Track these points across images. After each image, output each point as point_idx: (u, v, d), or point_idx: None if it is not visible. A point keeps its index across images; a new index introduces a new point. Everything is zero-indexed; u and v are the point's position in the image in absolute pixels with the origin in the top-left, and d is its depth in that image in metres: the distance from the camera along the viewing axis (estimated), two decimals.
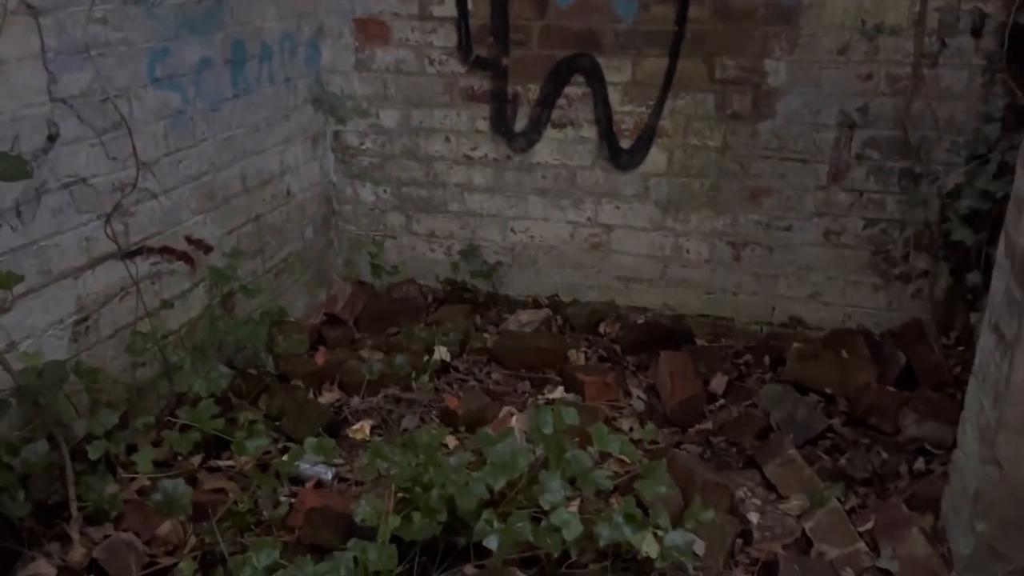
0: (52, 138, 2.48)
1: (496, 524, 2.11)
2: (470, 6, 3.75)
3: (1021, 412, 1.98)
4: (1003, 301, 2.11)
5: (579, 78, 3.76)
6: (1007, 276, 2.11)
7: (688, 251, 3.89)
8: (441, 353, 3.57)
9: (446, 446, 2.80)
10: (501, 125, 3.91)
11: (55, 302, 2.56)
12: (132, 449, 2.73)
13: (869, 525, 2.46)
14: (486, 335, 3.84)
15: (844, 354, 3.41)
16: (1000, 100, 3.23)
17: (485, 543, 2.12)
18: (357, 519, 2.12)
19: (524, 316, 3.96)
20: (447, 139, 4.00)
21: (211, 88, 3.19)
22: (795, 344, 3.49)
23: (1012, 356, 1.96)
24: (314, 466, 2.76)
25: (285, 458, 2.60)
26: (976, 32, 3.23)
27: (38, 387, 2.25)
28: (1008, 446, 2.01)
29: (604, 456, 2.71)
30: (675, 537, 2.19)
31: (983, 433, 2.14)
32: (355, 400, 3.34)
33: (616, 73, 3.70)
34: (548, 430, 2.38)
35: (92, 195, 2.66)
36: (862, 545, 2.37)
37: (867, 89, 3.44)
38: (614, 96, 3.74)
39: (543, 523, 2.17)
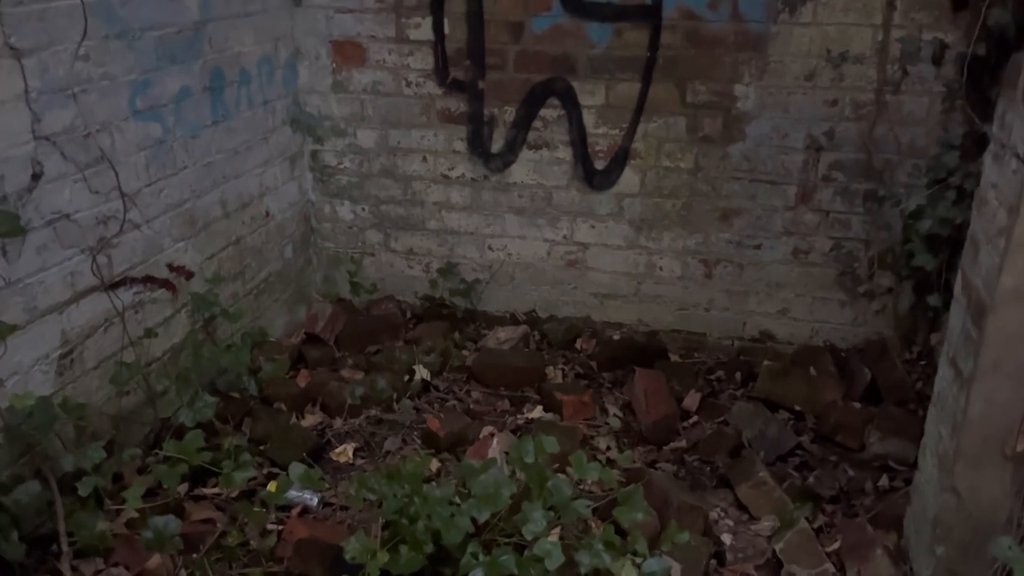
0: (36, 177, 2.50)
1: (481, 557, 2.19)
2: (447, 30, 3.80)
3: (978, 444, 2.10)
4: (960, 337, 2.23)
5: (554, 101, 3.83)
6: (963, 312, 2.22)
7: (661, 268, 3.99)
8: (421, 373, 3.63)
9: (430, 470, 2.88)
10: (478, 146, 3.97)
11: (41, 338, 2.59)
12: (118, 478, 2.78)
13: (836, 545, 2.58)
14: (465, 352, 3.92)
15: (812, 371, 3.53)
16: (959, 128, 3.35)
17: None
18: (347, 557, 2.19)
19: (502, 333, 4.03)
20: (425, 159, 4.06)
21: (191, 116, 3.21)
22: (765, 362, 3.60)
23: (968, 392, 2.07)
24: (300, 492, 2.82)
25: (271, 487, 2.65)
26: (936, 61, 3.35)
27: (28, 428, 2.27)
28: (966, 476, 2.13)
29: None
30: (652, 564, 2.28)
31: (942, 461, 2.26)
32: (337, 422, 3.39)
33: (590, 96, 3.78)
34: (530, 459, 2.46)
35: (76, 230, 2.68)
36: (829, 566, 2.48)
37: (833, 114, 3.56)
38: (588, 119, 3.82)
39: (526, 553, 2.25)
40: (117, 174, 2.80)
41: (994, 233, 2.06)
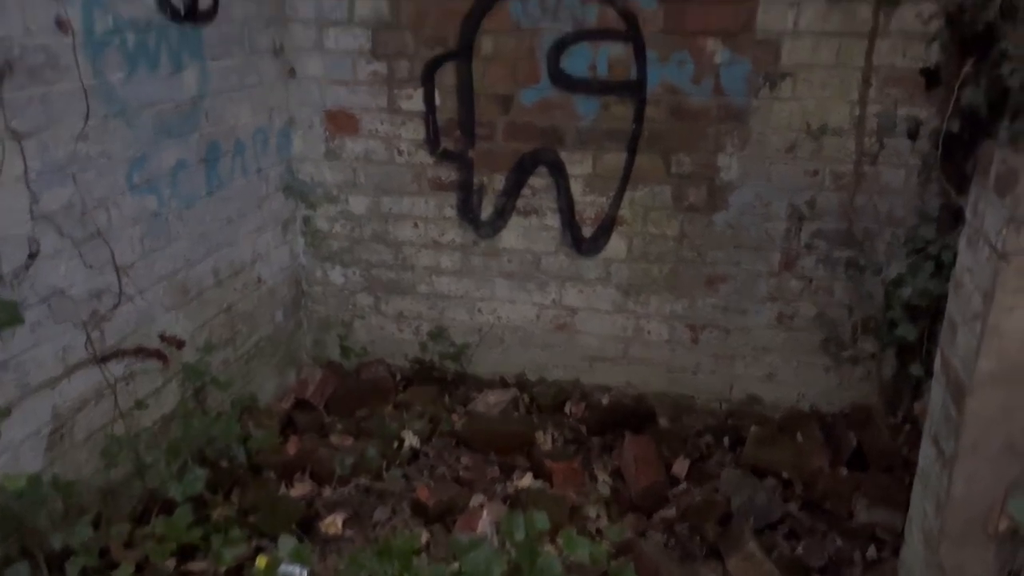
0: (33, 255, 2.54)
1: None
2: (438, 102, 3.90)
3: (961, 523, 2.13)
4: (941, 415, 2.28)
5: (543, 170, 3.92)
6: (943, 391, 2.27)
7: (649, 332, 4.04)
8: (411, 440, 3.64)
9: (419, 542, 2.88)
10: (468, 212, 4.04)
11: (32, 414, 2.60)
12: (104, 552, 2.76)
13: None
14: (455, 416, 3.93)
15: (799, 437, 3.56)
16: (936, 200, 3.45)
17: None
18: None
19: (492, 397, 4.06)
20: (416, 225, 4.12)
21: (186, 188, 3.27)
22: (753, 427, 3.64)
23: (950, 472, 2.12)
24: (290, 568, 2.80)
25: (260, 563, 2.64)
26: (912, 135, 3.46)
27: (18, 507, 2.27)
28: (951, 555, 2.16)
29: None
30: None
31: (928, 538, 2.29)
32: (327, 491, 3.38)
33: (578, 166, 3.87)
34: (520, 535, 2.47)
35: (70, 305, 2.71)
36: None
37: (814, 184, 3.66)
38: (576, 187, 3.91)
39: None
40: (112, 249, 2.84)
41: (970, 316, 2.12)
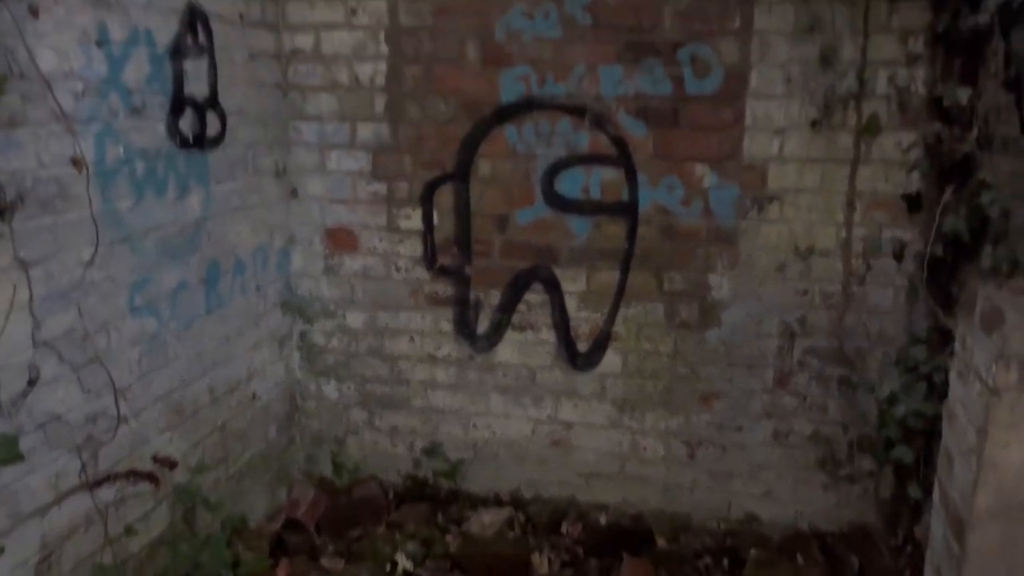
0: (32, 382, 2.54)
1: None
2: (436, 221, 4.00)
3: None
4: (942, 547, 2.26)
5: (538, 286, 3.98)
6: (943, 523, 2.27)
7: (645, 448, 4.03)
8: (404, 563, 3.56)
9: None
10: (464, 327, 4.08)
11: (21, 544, 2.54)
12: None
13: None
14: (449, 537, 3.85)
15: (799, 559, 3.51)
16: (924, 320, 3.52)
17: None
18: None
19: (487, 517, 3.99)
20: (412, 339, 4.15)
21: (186, 308, 3.31)
22: (752, 550, 3.58)
23: None
24: None
25: None
26: (898, 257, 3.56)
27: None
28: None
29: None
30: None
31: None
32: None
33: (572, 283, 3.94)
34: None
35: (65, 431, 2.69)
36: None
37: (804, 303, 3.72)
38: (571, 303, 3.97)
39: None
40: (110, 373, 2.85)
41: (966, 449, 2.14)
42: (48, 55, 2.51)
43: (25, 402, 2.52)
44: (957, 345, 2.30)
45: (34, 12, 2.29)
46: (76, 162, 2.50)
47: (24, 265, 2.49)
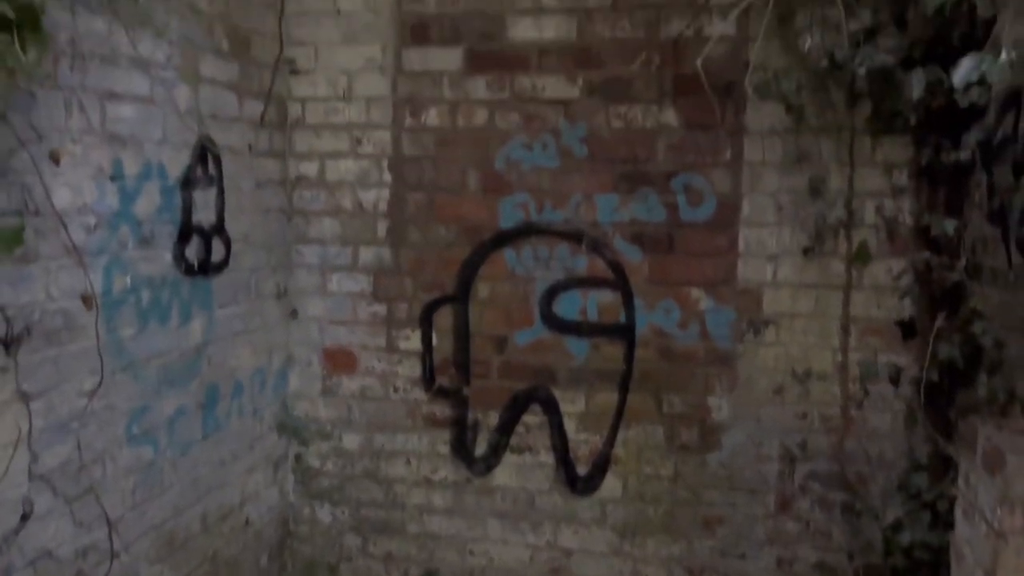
0: (25, 517, 2.49)
1: None
2: (435, 342, 4.02)
3: None
4: None
5: (536, 407, 3.98)
6: None
7: None
8: None
9: None
10: (461, 449, 4.05)
11: None
12: None
13: None
14: None
15: None
16: (925, 446, 3.50)
17: None
18: None
19: None
20: (408, 462, 4.10)
21: (183, 434, 3.28)
22: None
23: None
24: None
25: None
26: (894, 382, 3.58)
27: None
28: None
29: None
30: None
31: None
32: None
33: (571, 404, 3.94)
34: None
35: (54, 567, 2.62)
36: None
37: (804, 426, 3.72)
38: (570, 425, 3.95)
39: None
40: (104, 506, 2.80)
41: None
42: (63, 192, 2.58)
43: (16, 539, 2.46)
44: (961, 482, 2.30)
45: (55, 159, 2.37)
46: (86, 300, 2.53)
47: (26, 398, 2.48)
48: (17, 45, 1.93)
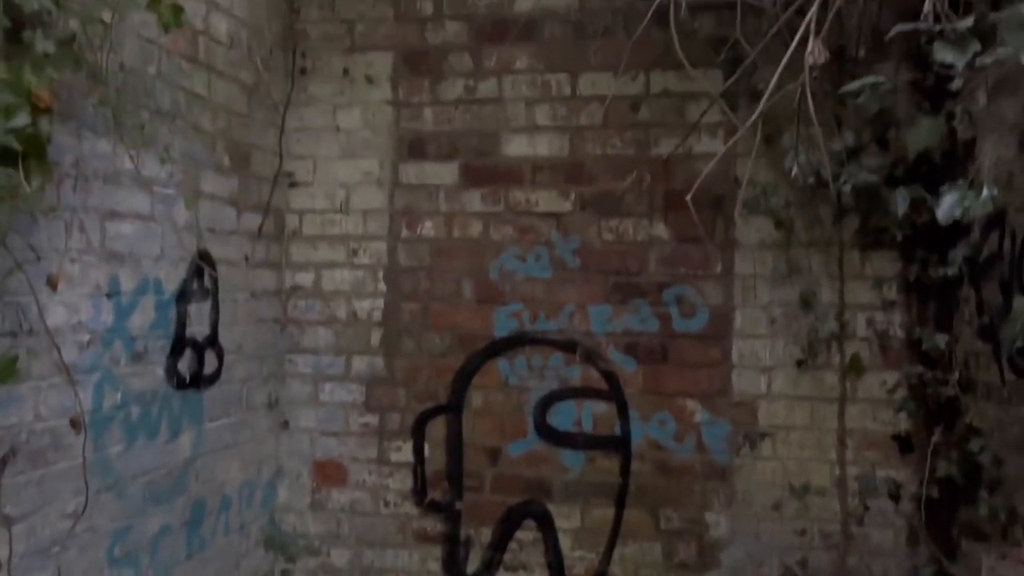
0: None
1: None
2: (427, 453, 3.96)
3: None
4: None
5: (530, 523, 3.88)
6: None
7: None
8: None
9: None
10: (453, 567, 3.92)
11: None
12: None
13: None
14: None
15: None
16: (929, 566, 3.41)
17: None
18: None
19: None
20: None
21: (166, 554, 3.17)
22: None
23: None
24: None
25: None
26: (894, 497, 3.52)
27: None
28: None
29: None
30: None
31: None
32: None
33: (566, 520, 3.85)
34: None
35: None
36: None
37: (804, 543, 3.63)
38: (565, 541, 3.85)
39: None
40: None
41: None
42: (59, 310, 2.57)
43: None
44: None
45: (52, 285, 2.37)
46: (75, 423, 2.49)
47: (8, 522, 2.41)
48: (22, 174, 1.97)
